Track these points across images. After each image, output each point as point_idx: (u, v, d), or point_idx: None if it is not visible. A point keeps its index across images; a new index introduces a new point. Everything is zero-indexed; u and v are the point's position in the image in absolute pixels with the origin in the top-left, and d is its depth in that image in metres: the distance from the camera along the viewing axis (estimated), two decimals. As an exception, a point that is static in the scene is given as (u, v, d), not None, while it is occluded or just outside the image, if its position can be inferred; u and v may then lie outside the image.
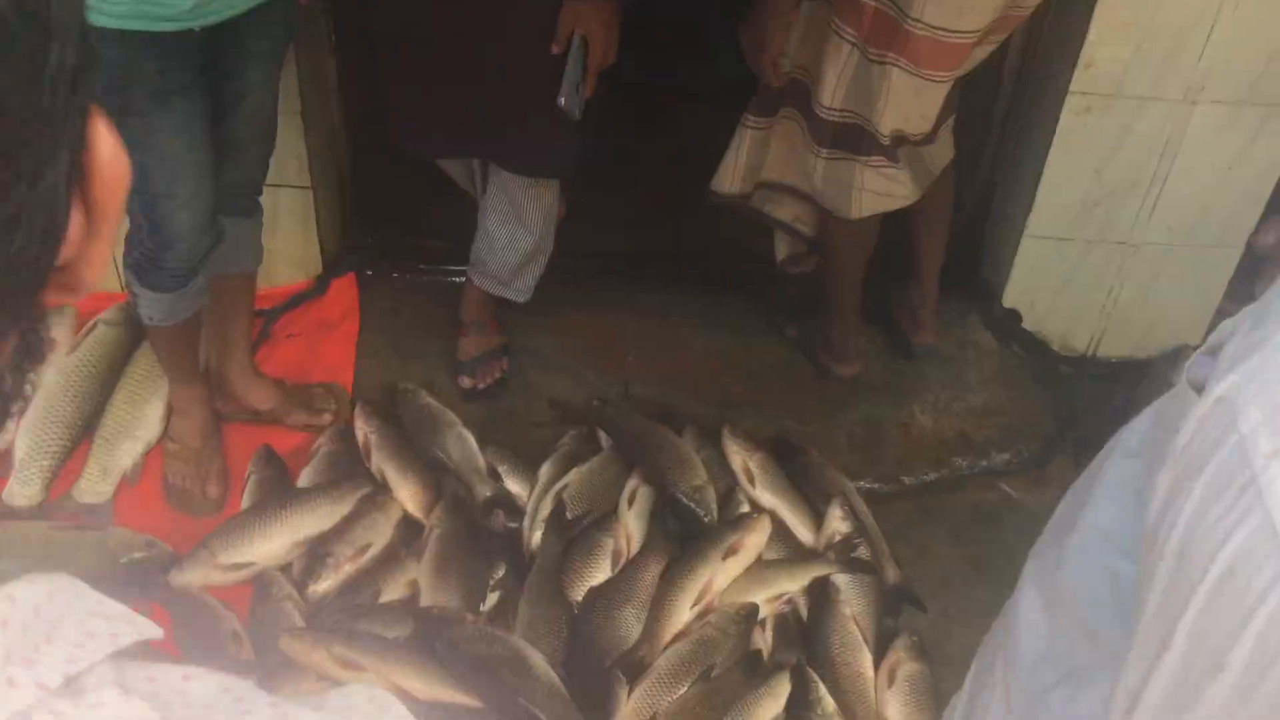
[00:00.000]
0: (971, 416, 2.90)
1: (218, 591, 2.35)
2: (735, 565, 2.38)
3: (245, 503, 2.48)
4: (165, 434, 2.58)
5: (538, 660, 2.14)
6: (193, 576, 2.33)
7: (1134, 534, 0.77)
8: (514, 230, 2.63)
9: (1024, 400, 2.95)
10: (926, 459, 2.82)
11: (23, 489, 2.45)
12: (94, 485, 2.51)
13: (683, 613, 2.30)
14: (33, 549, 2.34)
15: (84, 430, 2.55)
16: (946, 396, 2.92)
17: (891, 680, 2.30)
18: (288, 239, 2.83)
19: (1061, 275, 2.96)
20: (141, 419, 2.60)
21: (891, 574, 2.54)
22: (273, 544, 2.38)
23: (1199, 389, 0.70)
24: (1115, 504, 0.90)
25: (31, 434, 2.49)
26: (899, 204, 2.61)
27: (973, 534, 2.68)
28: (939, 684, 2.34)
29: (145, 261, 2.17)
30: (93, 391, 2.60)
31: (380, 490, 2.52)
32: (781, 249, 2.92)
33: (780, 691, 2.21)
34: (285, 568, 2.41)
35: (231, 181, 2.23)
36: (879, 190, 2.55)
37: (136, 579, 2.33)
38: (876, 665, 2.35)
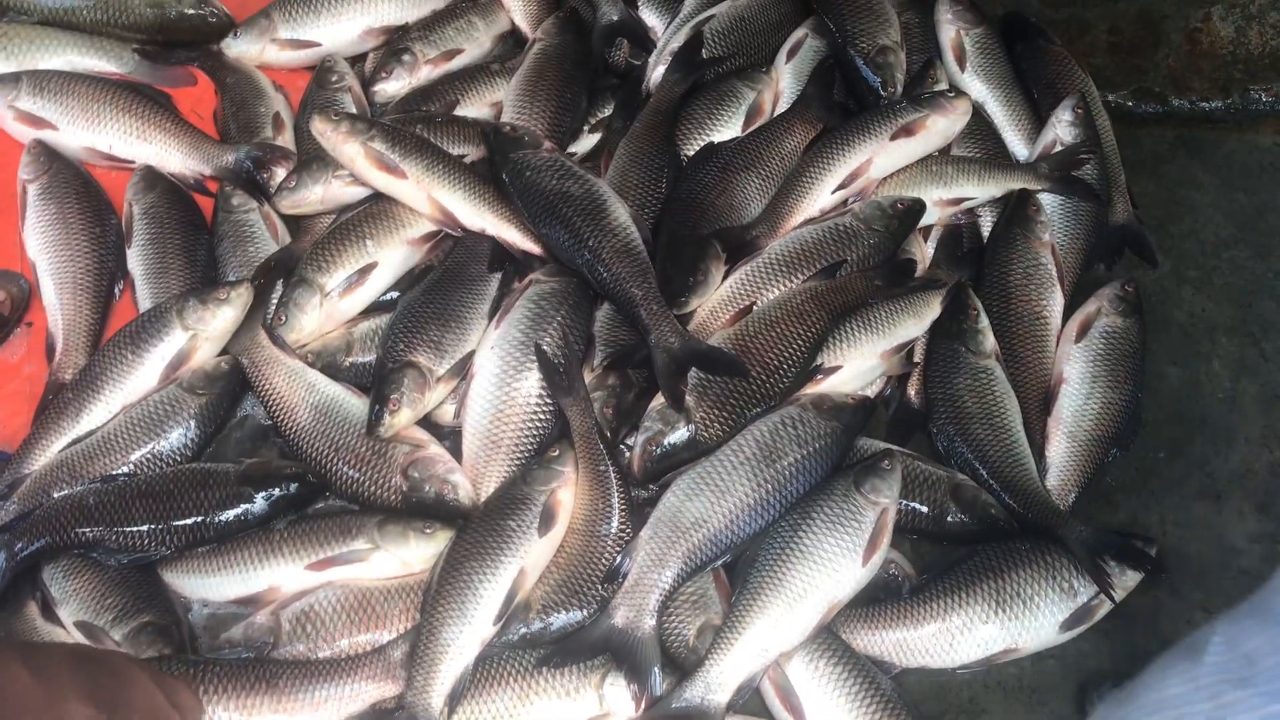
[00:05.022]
0: (1294, 34, 2.09)
1: (273, 73, 1.96)
2: (908, 149, 1.78)
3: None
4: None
5: (618, 209, 1.64)
6: (248, 48, 1.94)
7: None
8: None
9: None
10: (1212, 79, 2.06)
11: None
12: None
13: (820, 193, 1.74)
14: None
15: None
16: (1266, 2, 2.09)
17: (1083, 333, 1.71)
18: None
19: None
20: None
21: (1121, 211, 1.88)
22: (343, 24, 1.95)
23: None
24: None
25: None
26: None
27: (1249, 186, 1.96)
28: (1147, 359, 1.73)
29: None
30: None
31: (486, -8, 2.02)
32: None
33: (923, 311, 1.66)
34: (356, 61, 1.98)
35: None
36: None
37: (186, 37, 1.96)
38: (1067, 314, 1.76)
